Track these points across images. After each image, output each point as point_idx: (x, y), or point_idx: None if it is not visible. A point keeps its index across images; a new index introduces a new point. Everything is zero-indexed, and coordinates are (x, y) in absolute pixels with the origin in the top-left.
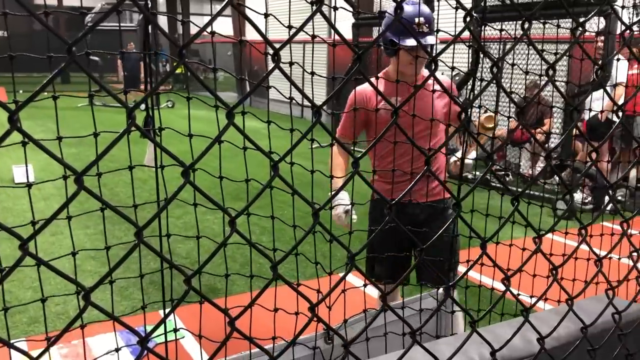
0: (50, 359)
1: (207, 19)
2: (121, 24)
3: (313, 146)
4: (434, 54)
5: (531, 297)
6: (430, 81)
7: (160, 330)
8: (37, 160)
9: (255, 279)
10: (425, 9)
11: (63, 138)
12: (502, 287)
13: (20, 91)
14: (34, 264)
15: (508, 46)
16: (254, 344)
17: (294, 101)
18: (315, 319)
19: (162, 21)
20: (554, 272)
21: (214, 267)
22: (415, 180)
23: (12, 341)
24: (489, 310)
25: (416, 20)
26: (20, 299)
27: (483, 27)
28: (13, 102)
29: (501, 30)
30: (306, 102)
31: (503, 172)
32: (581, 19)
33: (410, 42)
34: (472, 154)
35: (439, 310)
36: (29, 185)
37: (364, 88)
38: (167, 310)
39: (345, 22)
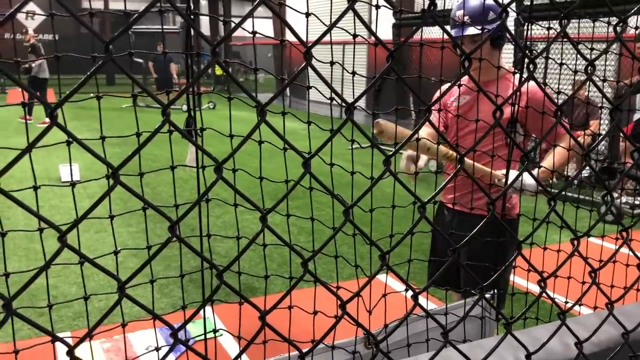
0: (92, 353)
1: (248, 20)
2: (164, 27)
3: (354, 147)
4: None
5: (580, 305)
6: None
7: (199, 329)
8: (82, 160)
9: (294, 281)
10: (470, 3)
11: (106, 137)
12: (549, 293)
13: (67, 92)
14: (77, 261)
15: (556, 45)
16: (285, 340)
17: (333, 101)
18: (348, 318)
19: (204, 22)
20: (592, 274)
21: (251, 267)
22: (451, 178)
23: (57, 334)
24: (524, 312)
25: (457, 13)
26: (66, 294)
27: (530, 25)
28: (58, 102)
29: (549, 28)
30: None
31: None
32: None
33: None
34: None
35: (483, 317)
36: (72, 184)
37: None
38: (206, 309)
39: (385, 22)
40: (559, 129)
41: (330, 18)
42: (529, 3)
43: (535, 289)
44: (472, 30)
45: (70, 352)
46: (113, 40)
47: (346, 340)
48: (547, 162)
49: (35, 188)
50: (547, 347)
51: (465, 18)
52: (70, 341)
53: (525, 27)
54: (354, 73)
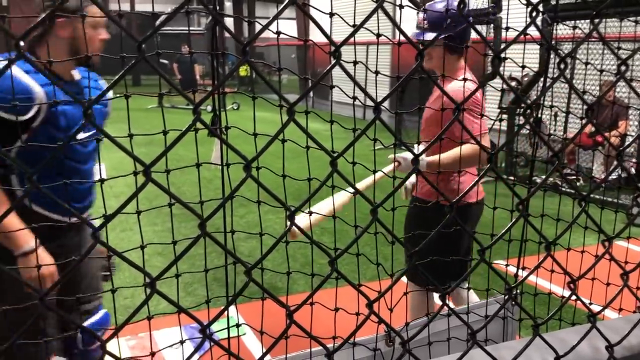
0: (119, 349)
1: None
2: (190, 28)
3: (376, 147)
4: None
5: (605, 307)
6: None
7: (223, 325)
8: (109, 159)
9: (316, 278)
10: (435, 8)
11: (134, 135)
12: (564, 293)
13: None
14: (106, 255)
15: (582, 45)
16: (312, 337)
17: (356, 101)
18: (374, 317)
19: (229, 24)
20: (623, 277)
21: (275, 267)
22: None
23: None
24: (554, 313)
25: (419, 17)
26: None
27: (555, 25)
28: (90, 100)
29: (574, 27)
30: (368, 102)
31: (574, 176)
32: None
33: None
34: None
35: (503, 317)
36: (101, 181)
37: None
38: (230, 306)
39: (409, 23)
40: (475, 132)
41: (354, 18)
42: (554, 2)
43: (557, 290)
44: (429, 36)
45: (102, 347)
46: (145, 40)
47: (367, 337)
48: (445, 153)
49: (66, 184)
50: (576, 350)
51: (425, 23)
52: None
53: (553, 27)
54: (377, 72)
